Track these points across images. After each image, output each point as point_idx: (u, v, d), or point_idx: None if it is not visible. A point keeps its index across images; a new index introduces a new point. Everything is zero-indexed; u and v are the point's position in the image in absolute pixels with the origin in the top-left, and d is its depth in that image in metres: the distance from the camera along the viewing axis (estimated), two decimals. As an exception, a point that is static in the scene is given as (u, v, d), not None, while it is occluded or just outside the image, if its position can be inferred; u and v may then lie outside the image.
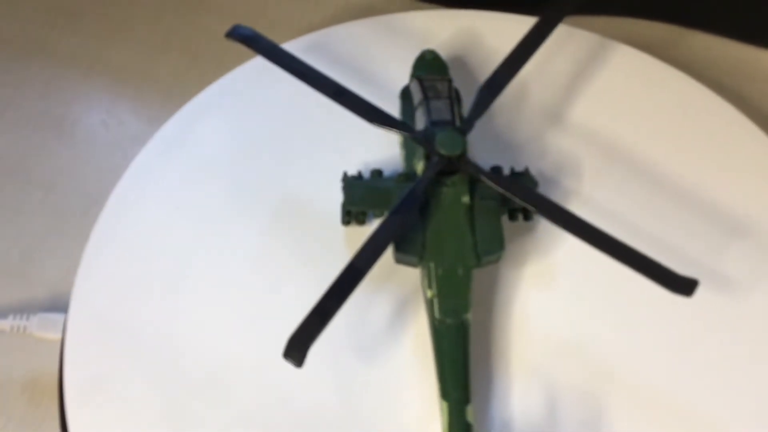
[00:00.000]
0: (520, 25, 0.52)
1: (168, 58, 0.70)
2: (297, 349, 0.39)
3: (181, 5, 0.72)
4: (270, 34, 0.63)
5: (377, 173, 0.51)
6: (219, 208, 0.53)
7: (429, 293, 0.46)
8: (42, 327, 0.54)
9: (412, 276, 0.49)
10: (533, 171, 0.52)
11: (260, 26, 0.69)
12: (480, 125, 0.51)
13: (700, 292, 0.41)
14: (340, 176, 0.51)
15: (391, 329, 0.49)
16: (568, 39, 0.60)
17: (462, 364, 0.43)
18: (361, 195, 0.49)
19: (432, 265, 0.46)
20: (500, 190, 0.46)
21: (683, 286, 0.41)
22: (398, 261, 0.47)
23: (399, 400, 0.47)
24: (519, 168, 0.51)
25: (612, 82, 0.59)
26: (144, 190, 0.54)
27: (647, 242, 0.48)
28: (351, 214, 0.50)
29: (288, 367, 0.39)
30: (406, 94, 0.54)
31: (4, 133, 0.68)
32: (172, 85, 0.69)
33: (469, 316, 0.45)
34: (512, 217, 0.50)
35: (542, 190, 0.51)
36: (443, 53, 0.56)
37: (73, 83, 0.70)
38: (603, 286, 0.50)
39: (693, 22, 0.71)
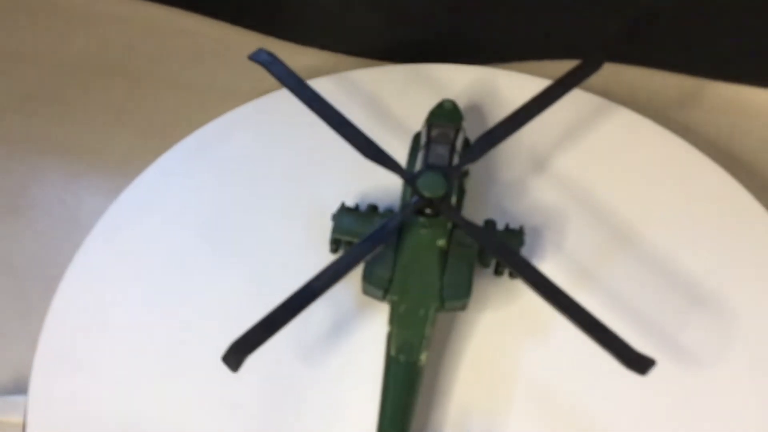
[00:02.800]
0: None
1: (121, 132, 0.71)
2: (236, 354, 0.40)
3: (131, 82, 0.74)
4: (223, 101, 0.66)
5: (372, 208, 0.52)
6: (178, 282, 0.54)
7: (389, 327, 0.47)
8: (4, 410, 0.53)
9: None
10: (519, 220, 0.54)
11: (210, 96, 0.72)
12: (483, 175, 0.54)
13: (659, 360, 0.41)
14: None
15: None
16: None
17: (404, 404, 0.44)
18: (349, 225, 0.51)
19: (395, 300, 0.47)
20: (477, 241, 0.47)
21: (639, 363, 0.40)
22: (365, 292, 0.49)
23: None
24: (514, 225, 0.53)
25: (604, 140, 0.60)
26: (98, 267, 0.55)
27: (615, 305, 0.51)
28: (339, 243, 0.52)
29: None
30: (417, 139, 0.56)
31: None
32: (128, 158, 0.70)
33: (423, 358, 0.46)
34: (485, 264, 0.52)
35: (528, 239, 0.52)
36: (463, 105, 0.58)
37: (28, 164, 0.71)
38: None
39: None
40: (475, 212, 0.54)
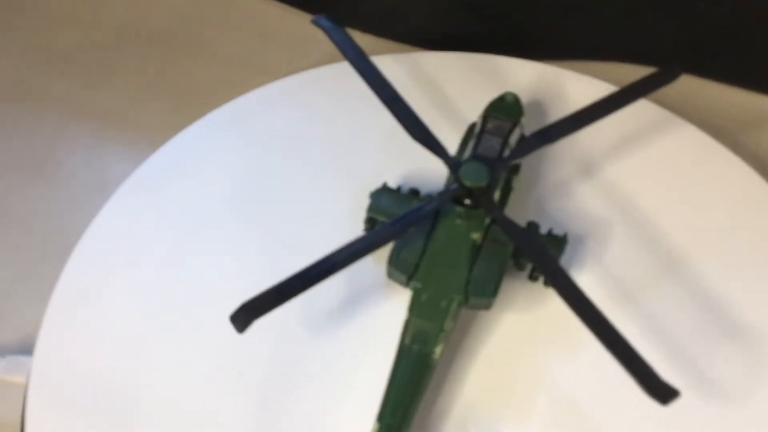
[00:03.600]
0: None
1: (154, 102, 0.70)
2: (245, 315, 0.39)
3: (168, 51, 0.72)
4: (260, 77, 0.64)
5: (414, 192, 0.50)
6: (197, 249, 0.52)
7: (408, 315, 0.45)
8: (9, 370, 0.52)
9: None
10: (561, 224, 0.51)
11: (247, 70, 0.70)
12: (529, 173, 0.52)
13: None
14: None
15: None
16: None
17: (409, 395, 0.42)
18: (386, 204, 0.49)
19: (418, 288, 0.45)
20: (513, 241, 0.45)
21: (662, 392, 0.37)
22: (389, 275, 0.47)
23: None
24: (557, 230, 0.50)
25: (664, 156, 0.57)
26: (116, 229, 0.53)
27: (649, 329, 0.48)
28: (374, 223, 0.50)
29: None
30: (471, 129, 0.53)
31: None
32: (158, 129, 0.68)
33: (438, 351, 0.44)
34: (520, 266, 0.49)
35: (568, 246, 0.50)
36: (524, 101, 0.55)
37: (59, 126, 0.70)
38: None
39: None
40: (515, 210, 0.52)
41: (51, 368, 0.48)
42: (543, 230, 0.50)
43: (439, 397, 0.46)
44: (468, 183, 0.46)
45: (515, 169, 0.52)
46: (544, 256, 0.43)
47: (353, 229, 0.51)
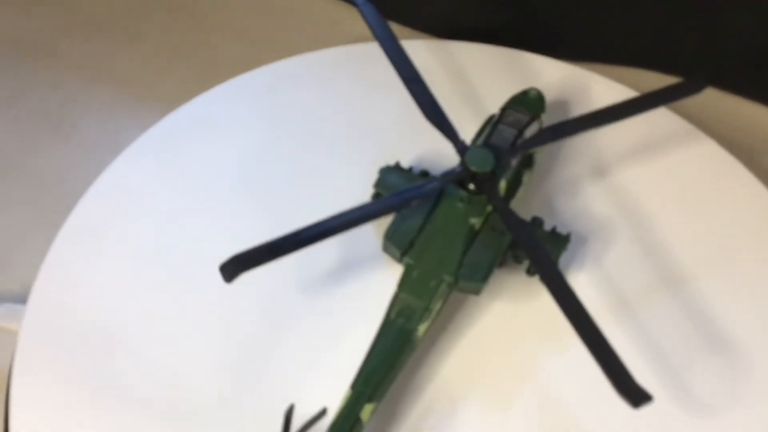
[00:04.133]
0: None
1: (173, 71, 0.70)
2: (234, 266, 0.40)
3: (192, 22, 0.73)
4: (278, 54, 0.64)
5: (424, 173, 0.51)
6: (196, 215, 0.53)
7: (397, 289, 0.45)
8: (3, 317, 0.52)
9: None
10: (566, 222, 0.51)
11: (270, 46, 0.70)
12: (539, 168, 0.52)
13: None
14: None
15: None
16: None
17: (385, 367, 0.42)
18: (393, 181, 0.50)
19: (411, 264, 0.45)
20: (509, 231, 0.45)
21: (635, 395, 0.36)
22: (385, 249, 0.47)
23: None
24: (562, 228, 0.50)
25: (679, 168, 0.56)
26: (122, 188, 0.54)
27: (638, 337, 0.47)
28: (379, 197, 0.50)
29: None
30: (490, 119, 0.53)
31: (5, 127, 0.68)
32: (175, 97, 0.68)
33: (421, 329, 0.44)
34: (518, 260, 0.49)
35: (571, 245, 0.49)
36: (549, 99, 0.55)
37: (79, 87, 0.70)
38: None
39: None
40: (523, 204, 0.52)
41: (44, 314, 0.48)
42: (547, 227, 0.49)
43: (417, 375, 0.46)
44: (472, 167, 0.45)
45: (528, 163, 0.52)
46: (537, 250, 0.43)
47: (361, 201, 0.51)
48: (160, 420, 0.44)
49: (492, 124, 0.51)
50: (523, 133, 0.50)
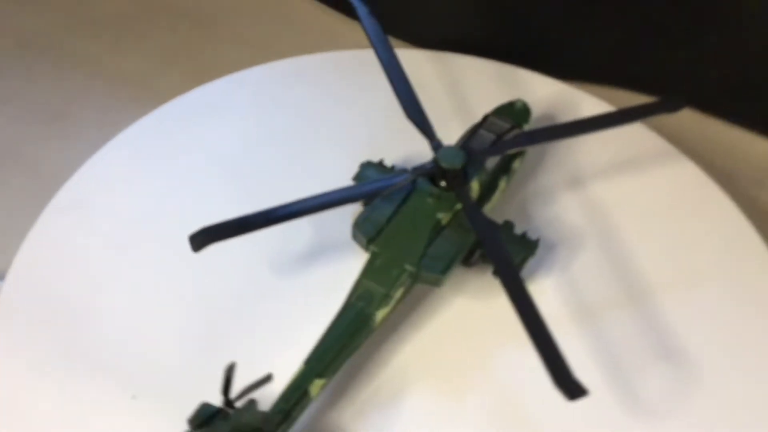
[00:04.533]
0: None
1: (173, 72, 0.73)
2: (203, 236, 0.42)
3: (195, 26, 0.75)
4: (273, 57, 0.66)
5: (404, 170, 0.52)
6: (184, 198, 0.54)
7: (360, 275, 0.46)
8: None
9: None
10: (537, 228, 0.52)
11: (269, 52, 0.72)
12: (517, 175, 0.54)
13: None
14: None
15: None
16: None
17: (339, 345, 0.43)
18: (369, 175, 0.51)
19: (375, 252, 0.46)
20: (474, 229, 0.46)
21: (571, 388, 0.38)
22: (353, 236, 0.48)
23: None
24: (533, 234, 0.50)
25: (656, 186, 0.57)
26: (104, 175, 0.56)
27: (594, 343, 0.48)
28: None
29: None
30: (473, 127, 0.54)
31: (4, 119, 0.70)
32: (170, 97, 0.71)
33: (379, 315, 0.45)
34: (485, 259, 0.50)
35: (540, 250, 0.50)
36: (536, 114, 0.57)
37: (80, 83, 0.73)
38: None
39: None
40: (498, 208, 0.52)
41: (23, 283, 0.50)
42: (519, 231, 0.50)
43: (373, 359, 0.47)
44: (443, 164, 0.47)
45: (505, 170, 0.52)
46: (498, 249, 0.44)
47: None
48: (127, 387, 0.45)
49: (472, 128, 0.52)
50: (502, 140, 0.51)
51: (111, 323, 0.48)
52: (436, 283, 0.47)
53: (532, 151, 0.56)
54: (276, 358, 0.44)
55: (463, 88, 0.62)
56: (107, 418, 0.44)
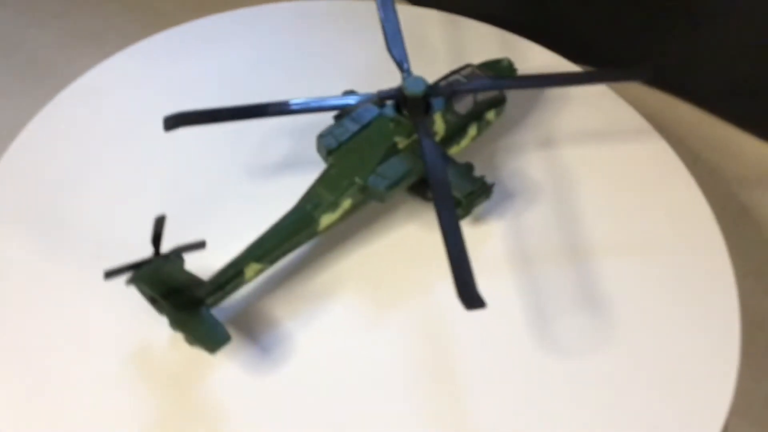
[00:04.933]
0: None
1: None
2: (175, 120, 0.48)
3: None
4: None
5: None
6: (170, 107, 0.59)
7: (313, 183, 0.50)
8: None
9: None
10: (499, 177, 0.56)
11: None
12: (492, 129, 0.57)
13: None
14: None
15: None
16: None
17: (280, 237, 0.47)
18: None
19: (332, 163, 0.51)
20: (422, 155, 0.49)
21: (471, 300, 0.41)
22: (317, 149, 0.52)
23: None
24: (490, 181, 0.53)
25: (621, 155, 0.59)
26: (114, 80, 0.61)
27: (526, 290, 0.51)
28: (341, 115, 0.55)
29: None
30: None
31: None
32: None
33: (324, 221, 0.49)
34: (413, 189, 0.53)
35: (497, 196, 0.54)
36: None
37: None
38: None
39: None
40: (465, 154, 0.55)
41: (20, 160, 0.56)
42: (477, 174, 0.53)
43: (314, 263, 0.51)
44: (405, 91, 0.50)
45: (477, 117, 0.55)
46: (437, 173, 0.47)
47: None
48: (97, 257, 0.48)
49: (451, 72, 0.55)
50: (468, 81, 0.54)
51: (94, 201, 0.54)
52: (381, 198, 0.50)
53: (509, 109, 0.59)
54: (232, 248, 0.48)
55: (462, 49, 0.65)
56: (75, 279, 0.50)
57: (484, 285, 0.42)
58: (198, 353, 0.45)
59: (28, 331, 0.48)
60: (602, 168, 0.58)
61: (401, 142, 0.51)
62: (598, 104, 0.62)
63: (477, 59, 0.63)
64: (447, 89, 0.52)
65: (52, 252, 0.51)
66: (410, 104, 0.50)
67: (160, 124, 0.55)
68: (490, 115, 0.56)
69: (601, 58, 0.71)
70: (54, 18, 0.81)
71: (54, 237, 0.52)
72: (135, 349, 0.47)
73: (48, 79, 0.67)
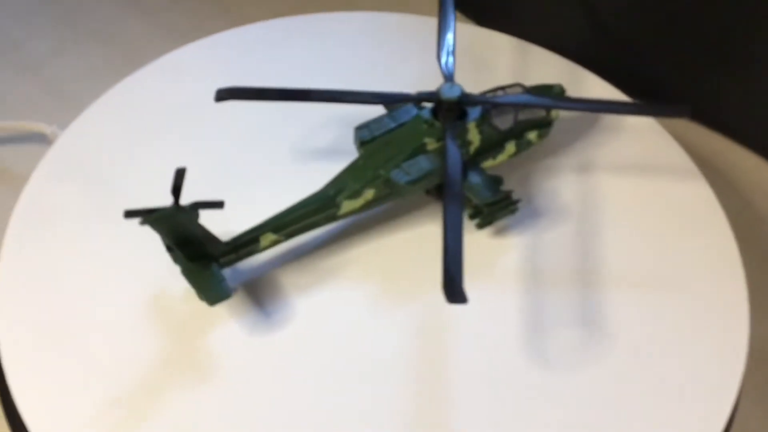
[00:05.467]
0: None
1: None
2: (227, 93, 0.52)
3: None
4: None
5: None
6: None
7: (341, 171, 0.53)
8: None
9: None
10: (528, 194, 0.57)
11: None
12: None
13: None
14: None
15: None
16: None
17: (300, 215, 0.51)
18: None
19: (362, 154, 0.54)
20: (443, 158, 0.50)
21: (454, 294, 0.42)
22: (354, 139, 0.55)
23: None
24: (517, 197, 0.55)
25: (661, 193, 0.59)
26: (181, 70, 0.66)
27: (530, 307, 0.52)
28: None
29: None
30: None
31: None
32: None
33: (345, 205, 0.52)
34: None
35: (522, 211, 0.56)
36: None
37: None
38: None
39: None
40: (501, 169, 0.56)
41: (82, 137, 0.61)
42: (506, 188, 0.54)
43: (333, 246, 0.54)
44: (441, 95, 0.52)
45: (517, 135, 0.56)
46: (452, 172, 0.48)
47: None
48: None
49: (498, 87, 0.56)
50: (518, 107, 0.55)
51: (147, 167, 0.59)
52: (401, 192, 0.53)
53: (554, 132, 0.59)
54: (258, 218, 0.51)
55: (521, 72, 0.67)
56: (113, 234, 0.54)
57: (490, 294, 0.47)
58: (205, 309, 0.49)
59: (62, 273, 0.53)
60: (637, 201, 0.58)
61: (431, 144, 0.53)
62: (646, 138, 0.62)
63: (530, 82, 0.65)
64: (483, 99, 0.54)
65: (98, 208, 0.56)
66: (444, 108, 0.52)
67: (216, 108, 0.58)
68: (532, 135, 0.57)
69: (665, 97, 0.71)
70: (148, 14, 0.89)
71: (104, 194, 0.57)
72: (153, 299, 0.52)
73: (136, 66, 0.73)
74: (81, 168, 0.59)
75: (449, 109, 0.52)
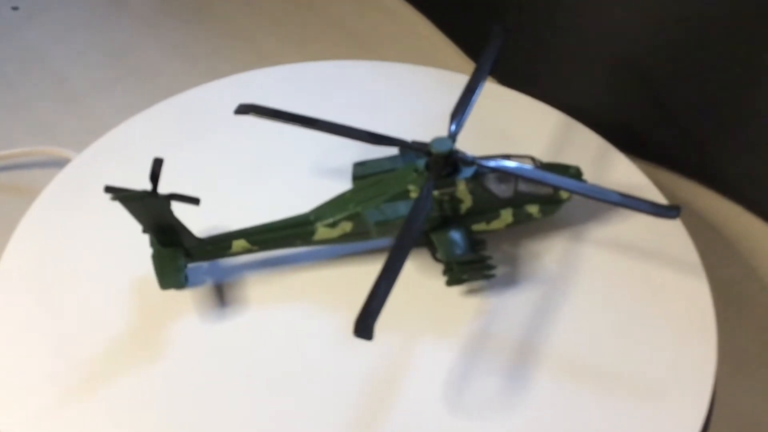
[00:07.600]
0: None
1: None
2: (247, 108, 0.59)
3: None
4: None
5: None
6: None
7: (325, 201, 0.56)
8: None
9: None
10: (516, 263, 0.58)
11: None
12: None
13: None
14: None
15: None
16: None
17: (275, 229, 0.55)
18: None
19: (352, 190, 0.56)
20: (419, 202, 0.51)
21: (364, 329, 0.44)
22: (352, 173, 0.58)
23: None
24: (494, 263, 0.55)
25: (650, 275, 0.58)
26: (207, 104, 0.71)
27: (462, 348, 0.53)
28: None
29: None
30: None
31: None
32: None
33: (319, 231, 0.55)
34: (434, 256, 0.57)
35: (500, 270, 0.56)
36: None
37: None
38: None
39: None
40: (494, 235, 0.58)
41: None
42: (488, 253, 0.55)
43: (303, 264, 0.58)
44: (431, 147, 0.54)
45: (516, 205, 0.56)
46: (415, 218, 0.49)
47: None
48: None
49: (508, 154, 0.56)
50: (519, 178, 0.55)
51: (174, 175, 0.61)
52: (370, 231, 0.54)
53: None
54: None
55: (543, 144, 0.67)
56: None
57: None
58: (176, 299, 0.54)
59: (61, 255, 0.59)
60: (623, 284, 0.57)
61: (414, 192, 0.54)
62: (659, 224, 0.59)
63: (557, 159, 0.65)
64: (471, 159, 0.54)
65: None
66: (433, 160, 0.54)
67: (244, 135, 0.66)
68: (533, 209, 0.57)
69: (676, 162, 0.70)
70: (191, 57, 0.97)
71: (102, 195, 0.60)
72: (131, 285, 0.57)
73: (152, 87, 0.81)
74: (122, 174, 0.63)
75: (436, 162, 0.54)
